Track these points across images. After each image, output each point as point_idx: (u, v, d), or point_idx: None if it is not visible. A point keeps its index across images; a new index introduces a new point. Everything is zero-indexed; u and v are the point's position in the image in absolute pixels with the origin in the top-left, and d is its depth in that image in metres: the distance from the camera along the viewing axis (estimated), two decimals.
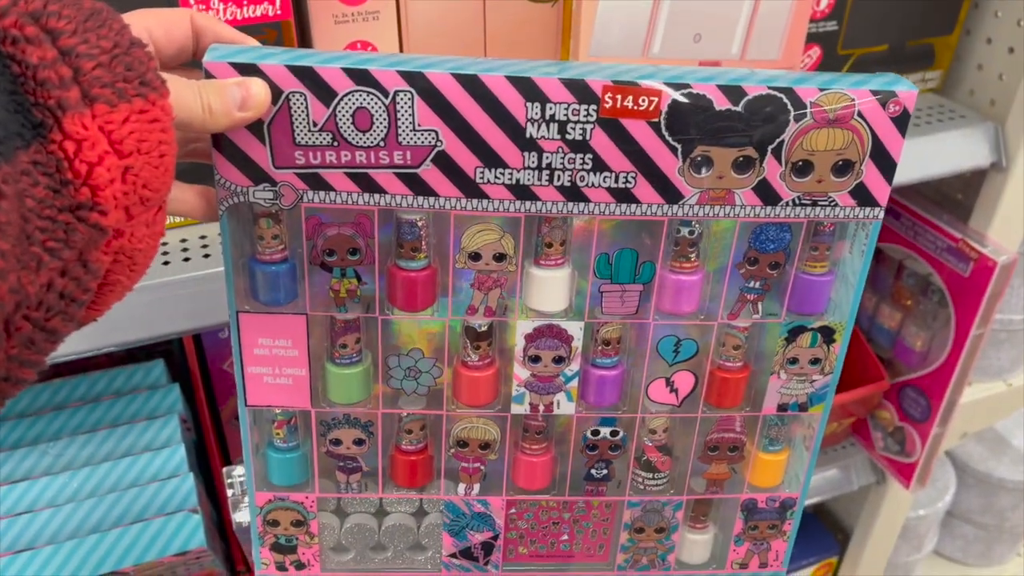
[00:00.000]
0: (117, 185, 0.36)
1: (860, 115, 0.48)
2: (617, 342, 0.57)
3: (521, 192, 0.49)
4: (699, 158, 0.49)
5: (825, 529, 1.32)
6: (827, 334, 0.57)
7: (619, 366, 0.58)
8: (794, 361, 0.58)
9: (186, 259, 0.63)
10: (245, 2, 0.59)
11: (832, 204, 0.51)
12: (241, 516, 0.65)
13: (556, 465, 0.62)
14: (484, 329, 0.56)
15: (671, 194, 0.50)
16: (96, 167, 0.35)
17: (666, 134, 0.48)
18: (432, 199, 0.49)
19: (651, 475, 0.62)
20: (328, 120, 0.46)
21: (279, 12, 0.60)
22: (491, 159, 0.48)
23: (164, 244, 0.64)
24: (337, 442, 0.59)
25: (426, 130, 0.47)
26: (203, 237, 0.66)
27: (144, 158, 0.37)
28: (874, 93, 0.48)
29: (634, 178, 0.49)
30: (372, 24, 0.63)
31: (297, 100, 0.46)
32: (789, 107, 0.48)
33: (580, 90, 0.47)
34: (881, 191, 0.51)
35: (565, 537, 0.65)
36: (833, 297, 0.57)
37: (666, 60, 0.68)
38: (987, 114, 0.90)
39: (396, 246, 0.52)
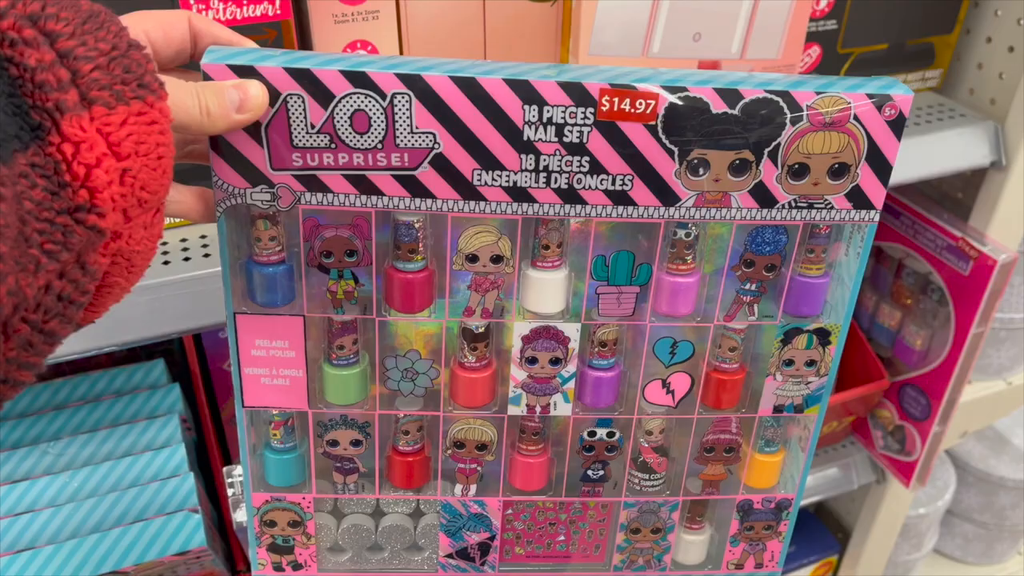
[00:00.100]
0: (115, 187, 0.36)
1: (856, 118, 0.49)
2: (614, 344, 0.57)
3: (518, 194, 0.50)
4: (696, 161, 0.49)
5: (825, 528, 1.32)
6: (823, 336, 0.57)
7: (615, 367, 0.58)
8: (790, 363, 0.58)
9: (186, 259, 0.64)
10: (245, 2, 0.59)
11: (828, 207, 0.51)
12: (241, 515, 0.65)
13: (553, 466, 0.62)
14: (481, 331, 0.56)
15: (668, 197, 0.50)
16: (94, 169, 0.35)
17: (663, 137, 0.48)
18: (429, 201, 0.49)
19: (647, 476, 0.63)
20: (326, 122, 0.46)
21: (279, 12, 0.60)
22: (488, 161, 0.48)
23: (164, 244, 0.64)
24: (334, 443, 0.59)
25: (424, 132, 0.47)
26: (203, 237, 0.66)
27: (142, 160, 0.37)
28: (870, 97, 0.48)
29: (631, 180, 0.50)
30: (372, 24, 0.63)
31: (295, 102, 0.46)
32: (785, 110, 0.48)
33: (577, 93, 0.47)
34: (877, 194, 0.51)
35: (561, 538, 0.66)
36: (829, 299, 0.57)
37: (666, 59, 0.68)
38: (987, 113, 0.89)
39: (393, 248, 0.52)
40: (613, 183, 0.49)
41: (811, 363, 0.58)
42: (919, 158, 0.83)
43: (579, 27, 0.65)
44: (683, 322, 0.57)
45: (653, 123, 0.48)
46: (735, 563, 0.68)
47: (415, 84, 0.46)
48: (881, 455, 1.12)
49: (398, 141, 0.47)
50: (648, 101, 0.47)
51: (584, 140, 0.48)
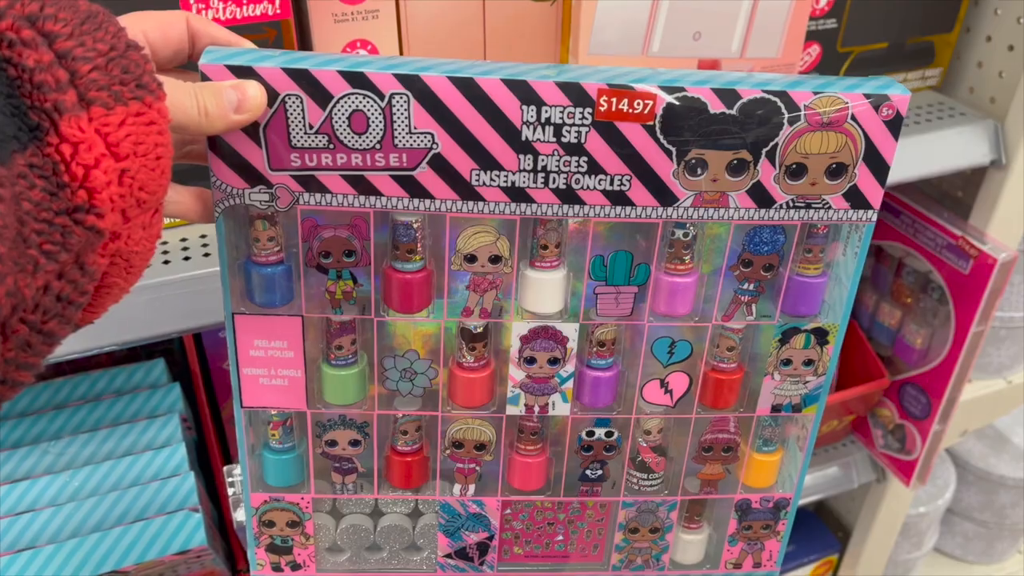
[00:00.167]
0: (114, 188, 0.36)
1: (853, 118, 0.49)
2: (612, 343, 0.57)
3: (516, 194, 0.50)
4: (694, 161, 0.49)
5: (825, 527, 1.32)
6: (821, 335, 0.57)
7: (614, 367, 0.58)
8: (788, 362, 0.58)
9: (186, 258, 0.64)
10: (245, 1, 0.59)
11: (825, 207, 0.52)
12: (242, 515, 0.65)
13: (551, 466, 0.62)
14: (480, 331, 0.56)
15: (666, 197, 0.50)
16: (93, 170, 0.35)
17: (661, 137, 0.48)
18: (428, 201, 0.49)
19: (646, 475, 0.63)
20: (324, 123, 0.47)
21: (279, 11, 0.60)
22: (487, 161, 0.48)
23: (164, 243, 0.64)
24: (333, 443, 0.59)
25: (422, 132, 0.47)
26: (203, 237, 0.66)
27: (141, 160, 0.37)
28: (867, 97, 0.48)
29: (629, 181, 0.50)
30: (372, 23, 0.63)
31: (293, 102, 0.46)
32: (783, 110, 0.48)
33: (575, 93, 0.47)
34: (874, 194, 0.51)
35: (560, 537, 0.66)
36: (827, 299, 0.57)
37: (666, 58, 0.68)
38: (987, 112, 0.89)
39: (392, 248, 0.53)
40: (611, 183, 0.50)
41: (809, 363, 0.58)
42: (919, 157, 0.83)
43: (579, 26, 0.65)
44: (681, 322, 0.57)
45: (651, 123, 0.48)
46: (733, 562, 0.68)
47: (413, 84, 0.46)
48: (881, 454, 1.12)
49: (396, 141, 0.47)
50: (646, 101, 0.47)
51: (582, 140, 0.48)
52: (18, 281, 0.33)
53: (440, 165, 0.48)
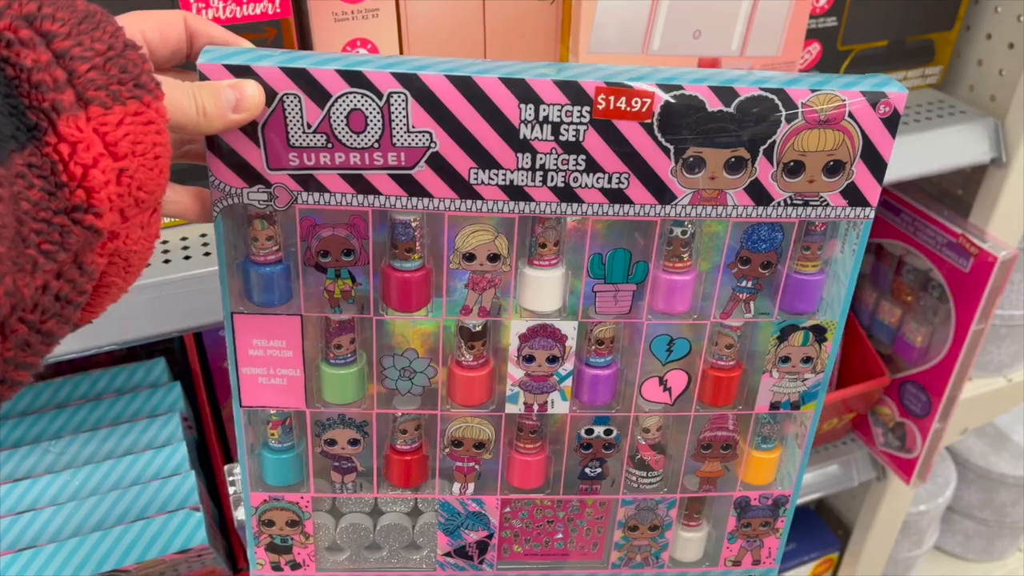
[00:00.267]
0: (112, 187, 0.36)
1: (851, 116, 0.49)
2: (611, 341, 0.58)
3: (515, 193, 0.50)
4: (691, 159, 0.49)
5: (826, 525, 1.32)
6: (819, 333, 0.57)
7: (612, 365, 0.58)
8: (786, 360, 0.58)
9: (187, 257, 0.64)
10: (245, 0, 0.59)
11: (823, 204, 0.52)
12: (242, 514, 0.65)
13: (550, 464, 0.63)
14: (478, 329, 0.56)
15: (664, 195, 0.50)
16: (91, 169, 0.35)
17: (659, 135, 0.48)
18: (426, 200, 0.49)
19: (645, 473, 0.63)
20: (322, 122, 0.47)
21: (279, 10, 0.60)
22: (485, 160, 0.48)
23: (165, 243, 0.65)
24: (332, 442, 0.59)
25: (420, 131, 0.47)
26: (203, 236, 0.66)
27: (139, 160, 0.37)
28: (864, 94, 0.48)
29: (627, 179, 0.50)
30: (372, 22, 0.63)
31: (291, 102, 0.46)
32: (780, 108, 0.48)
33: (573, 91, 0.47)
34: (872, 191, 0.51)
35: (559, 535, 0.66)
36: (825, 296, 0.57)
37: (666, 57, 0.68)
38: (987, 110, 0.89)
39: (390, 247, 0.53)
40: (609, 181, 0.50)
41: (807, 360, 0.58)
42: (919, 155, 0.83)
43: (579, 25, 0.65)
44: (680, 320, 0.57)
45: (649, 121, 0.48)
46: (732, 560, 0.68)
47: (411, 83, 0.46)
48: (882, 452, 1.12)
49: (395, 140, 0.47)
50: (644, 99, 0.47)
51: (580, 139, 0.48)
52: (17, 281, 0.33)
53: (438, 164, 0.48)
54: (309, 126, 0.47)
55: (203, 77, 0.45)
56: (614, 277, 0.55)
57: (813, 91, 0.48)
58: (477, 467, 0.61)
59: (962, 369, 0.97)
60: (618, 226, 0.54)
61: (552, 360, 0.57)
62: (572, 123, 0.48)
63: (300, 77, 0.45)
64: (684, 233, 0.53)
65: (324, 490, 0.62)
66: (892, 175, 0.79)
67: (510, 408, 0.59)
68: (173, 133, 0.40)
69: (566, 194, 0.50)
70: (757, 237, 0.54)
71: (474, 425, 0.60)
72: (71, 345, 0.60)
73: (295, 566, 0.64)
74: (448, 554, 0.65)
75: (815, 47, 0.81)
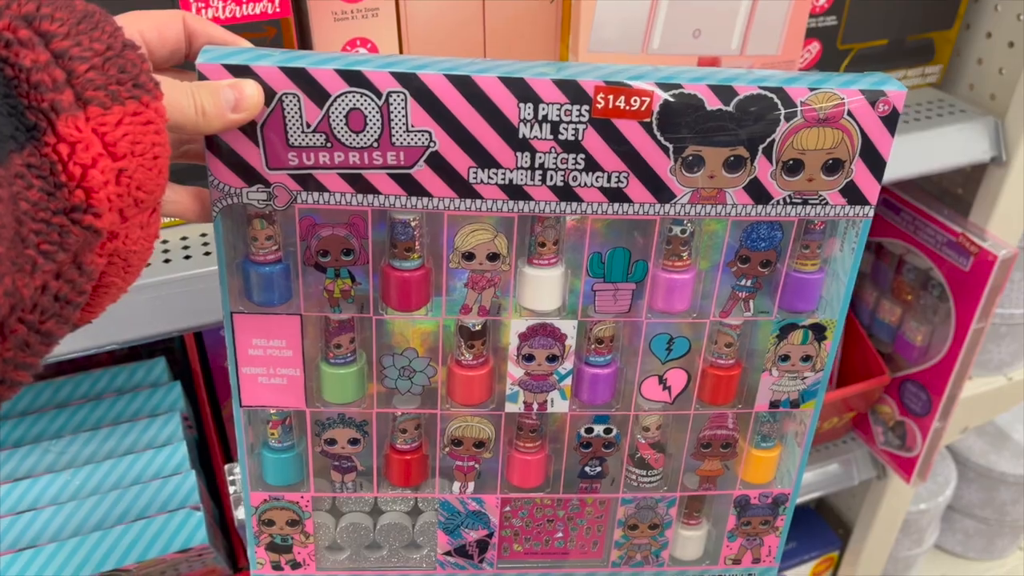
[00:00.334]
0: (111, 187, 0.36)
1: (850, 114, 0.49)
2: (610, 340, 0.58)
3: (514, 192, 0.50)
4: (691, 157, 0.49)
5: (826, 524, 1.32)
6: (818, 331, 0.57)
7: (612, 364, 0.58)
8: (786, 358, 0.58)
9: (187, 257, 0.64)
10: (244, 0, 0.59)
11: (822, 203, 0.52)
12: (243, 513, 0.65)
13: (550, 463, 0.63)
14: (478, 328, 0.56)
15: (663, 193, 0.50)
16: (90, 169, 0.35)
17: (658, 134, 0.48)
18: (425, 199, 0.49)
19: (644, 472, 0.63)
20: (321, 121, 0.47)
21: (278, 10, 0.60)
22: (484, 159, 0.48)
23: (165, 242, 0.65)
24: (332, 442, 0.59)
25: (419, 131, 0.47)
26: (204, 235, 0.66)
27: (138, 160, 0.37)
28: (863, 93, 0.48)
29: (626, 178, 0.50)
30: (371, 21, 0.63)
31: (290, 101, 0.46)
32: (780, 106, 0.48)
33: (572, 91, 0.47)
34: (871, 189, 0.51)
35: (560, 534, 0.66)
36: (824, 294, 0.57)
37: (665, 56, 0.68)
38: (987, 108, 0.89)
39: (390, 246, 0.53)
40: (608, 180, 0.50)
41: (807, 358, 0.58)
42: (919, 154, 0.83)
43: (579, 24, 0.65)
44: (679, 318, 0.57)
45: (648, 120, 0.48)
46: (732, 558, 0.68)
47: (410, 83, 0.46)
48: (882, 451, 1.12)
49: (394, 140, 0.47)
50: (643, 98, 0.47)
51: (579, 138, 0.48)
52: (16, 281, 0.33)
53: (438, 163, 0.48)
54: (308, 126, 0.47)
55: (202, 77, 0.45)
56: (613, 276, 0.55)
57: (812, 90, 0.48)
58: (477, 466, 0.61)
59: (962, 368, 0.98)
60: (617, 225, 0.54)
61: (552, 359, 0.57)
62: (571, 122, 0.48)
63: (299, 77, 0.45)
64: (683, 232, 0.53)
65: (324, 489, 0.62)
66: (892, 174, 0.79)
67: (510, 407, 0.59)
68: (172, 133, 0.40)
69: (565, 193, 0.50)
70: (756, 236, 0.54)
71: (474, 424, 0.60)
72: (71, 345, 0.60)
73: (295, 565, 0.64)
74: (448, 553, 0.65)
75: (815, 46, 0.81)
